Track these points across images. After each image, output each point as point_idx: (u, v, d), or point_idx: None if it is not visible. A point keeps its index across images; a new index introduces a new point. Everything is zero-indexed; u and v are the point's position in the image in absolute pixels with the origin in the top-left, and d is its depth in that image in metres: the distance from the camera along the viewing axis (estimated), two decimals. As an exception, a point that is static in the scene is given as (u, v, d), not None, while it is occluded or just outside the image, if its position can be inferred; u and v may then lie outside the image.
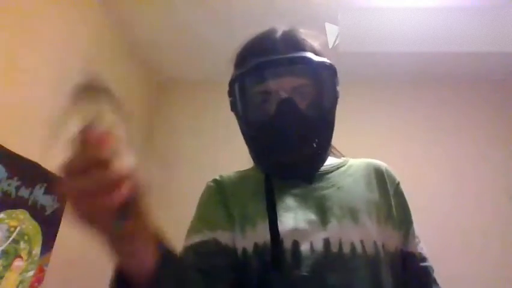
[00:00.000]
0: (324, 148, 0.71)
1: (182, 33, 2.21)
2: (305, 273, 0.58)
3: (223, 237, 0.64)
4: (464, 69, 2.28)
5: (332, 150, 0.85)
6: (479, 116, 2.29)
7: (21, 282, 1.47)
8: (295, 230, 0.62)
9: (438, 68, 2.30)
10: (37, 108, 1.58)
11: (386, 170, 0.74)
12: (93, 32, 1.97)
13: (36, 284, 1.55)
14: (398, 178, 0.74)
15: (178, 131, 2.54)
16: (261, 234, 0.62)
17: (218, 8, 2.00)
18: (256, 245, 0.62)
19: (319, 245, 0.60)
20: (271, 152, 0.68)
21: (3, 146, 1.39)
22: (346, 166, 0.74)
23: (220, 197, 0.72)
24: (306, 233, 0.61)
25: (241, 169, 0.80)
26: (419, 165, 2.18)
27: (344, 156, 0.81)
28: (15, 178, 1.44)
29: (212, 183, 0.76)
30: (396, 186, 0.73)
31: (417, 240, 0.71)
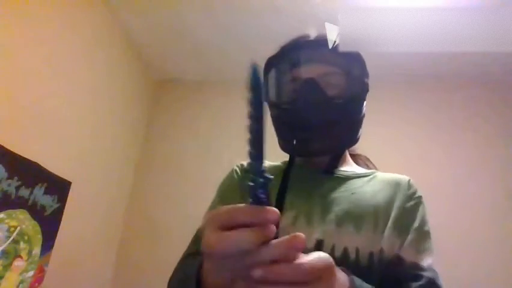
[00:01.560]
0: (346, 134, 0.71)
1: (182, 34, 2.21)
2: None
3: None
4: (463, 69, 2.28)
5: (367, 162, 0.86)
6: (478, 116, 2.28)
7: (21, 282, 1.47)
8: (292, 225, 0.62)
9: (437, 68, 2.30)
10: (37, 108, 1.58)
11: (410, 183, 0.71)
12: (93, 32, 1.97)
13: (36, 284, 1.55)
14: (420, 193, 0.70)
15: (177, 131, 2.54)
16: None
17: (218, 9, 2.00)
18: None
19: (310, 245, 0.60)
20: (294, 129, 0.69)
21: (3, 146, 1.40)
22: (370, 177, 0.73)
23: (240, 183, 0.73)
24: (303, 231, 0.61)
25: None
26: (418, 165, 2.18)
27: (376, 169, 0.80)
28: (15, 178, 1.44)
29: (237, 168, 0.78)
30: (415, 198, 0.68)
31: (419, 251, 0.63)
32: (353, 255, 0.59)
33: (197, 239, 0.70)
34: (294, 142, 0.69)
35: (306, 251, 0.59)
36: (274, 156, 0.75)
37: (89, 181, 1.94)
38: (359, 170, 0.77)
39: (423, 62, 2.25)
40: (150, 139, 2.53)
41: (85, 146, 1.91)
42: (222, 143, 2.36)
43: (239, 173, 0.77)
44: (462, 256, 1.95)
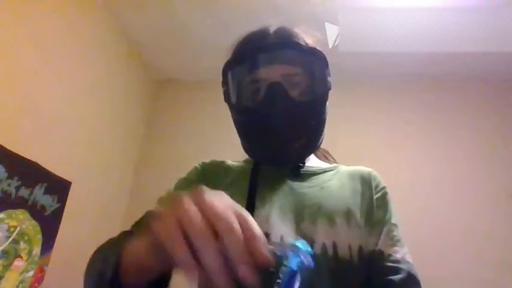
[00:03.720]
0: (313, 135, 0.70)
1: (182, 34, 2.21)
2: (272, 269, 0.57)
3: None
4: (463, 69, 2.28)
5: (326, 155, 0.85)
6: (478, 115, 2.28)
7: (21, 282, 1.47)
8: (267, 223, 0.61)
9: (438, 68, 2.30)
10: (37, 108, 1.58)
11: (373, 175, 0.72)
12: (93, 32, 1.97)
13: (36, 284, 1.55)
14: (384, 183, 0.72)
15: (177, 130, 2.54)
16: None
17: (217, 8, 2.00)
18: None
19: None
20: (261, 135, 0.67)
21: (3, 146, 1.40)
22: (335, 171, 0.73)
23: (198, 183, 0.72)
24: (278, 227, 0.61)
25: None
26: (418, 165, 2.18)
27: (336, 163, 0.80)
28: (15, 178, 1.44)
29: (198, 166, 0.76)
30: (380, 189, 0.70)
31: (394, 242, 0.64)
32: (330, 250, 0.59)
33: (139, 223, 0.66)
34: (262, 149, 0.68)
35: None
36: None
37: (89, 181, 1.94)
38: (322, 164, 0.77)
39: (423, 62, 2.25)
40: (150, 139, 2.53)
41: (85, 146, 1.91)
42: (222, 143, 2.36)
43: (199, 168, 0.75)
44: (462, 254, 1.95)
